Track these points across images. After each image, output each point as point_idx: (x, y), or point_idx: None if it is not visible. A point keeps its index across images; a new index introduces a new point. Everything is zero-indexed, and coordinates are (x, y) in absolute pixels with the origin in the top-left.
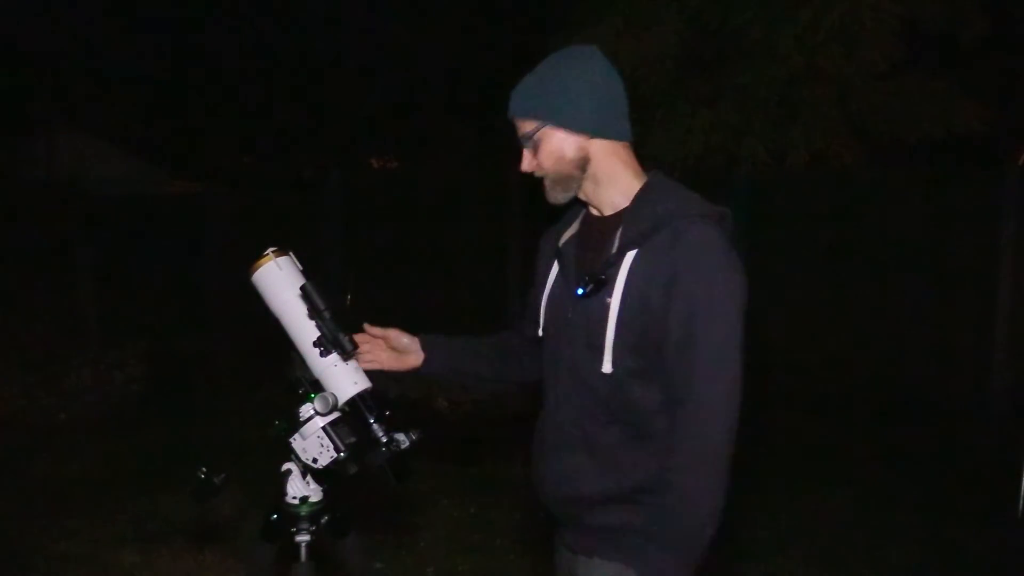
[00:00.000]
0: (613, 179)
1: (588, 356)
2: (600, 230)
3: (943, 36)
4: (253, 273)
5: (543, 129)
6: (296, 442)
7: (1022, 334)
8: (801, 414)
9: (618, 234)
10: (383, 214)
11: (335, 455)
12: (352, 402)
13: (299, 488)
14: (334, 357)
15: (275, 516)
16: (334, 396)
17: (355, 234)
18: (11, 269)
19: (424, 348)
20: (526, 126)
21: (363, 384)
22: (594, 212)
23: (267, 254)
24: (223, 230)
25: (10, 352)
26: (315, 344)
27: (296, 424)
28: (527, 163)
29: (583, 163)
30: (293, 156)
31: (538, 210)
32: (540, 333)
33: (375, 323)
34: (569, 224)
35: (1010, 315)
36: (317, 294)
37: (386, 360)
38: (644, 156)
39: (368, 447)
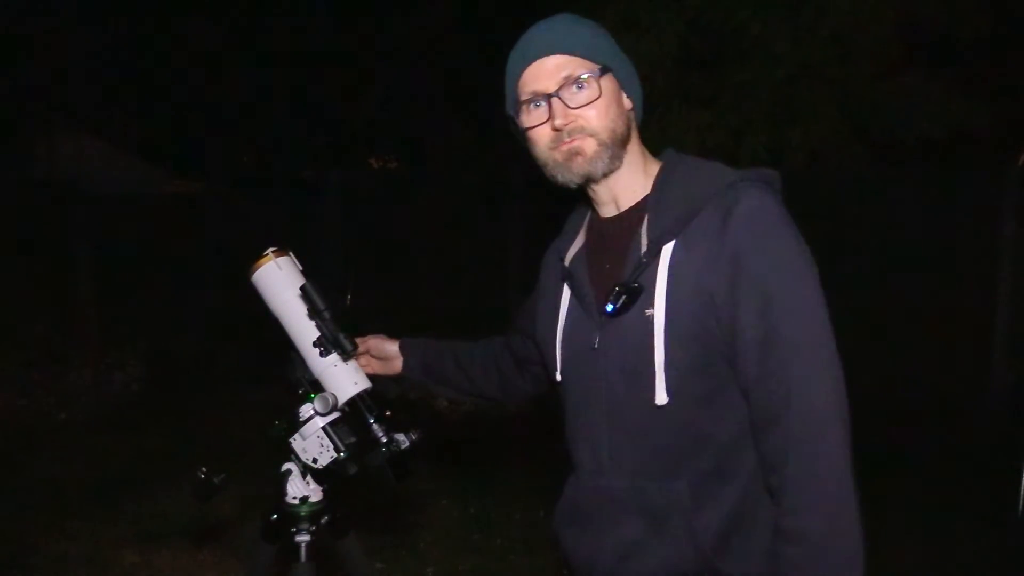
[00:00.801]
0: (637, 163)
1: (633, 389)
2: (616, 232)
3: (943, 36)
4: (253, 273)
5: (606, 76)
6: (296, 442)
7: (1022, 334)
8: None
9: (644, 228)
10: (383, 214)
11: (335, 455)
12: (352, 402)
13: (299, 488)
14: (334, 357)
15: (275, 516)
16: (334, 396)
17: (355, 234)
18: (11, 269)
19: (403, 352)
20: (578, 67)
21: (363, 384)
22: (603, 212)
23: (267, 254)
24: (223, 230)
25: (10, 352)
26: (315, 344)
27: (296, 424)
28: (562, 114)
29: (630, 119)
30: (293, 156)
31: (539, 209)
32: (558, 377)
33: (374, 323)
34: (572, 236)
35: (1010, 315)
36: (317, 294)
37: (376, 366)
38: None
39: (368, 447)
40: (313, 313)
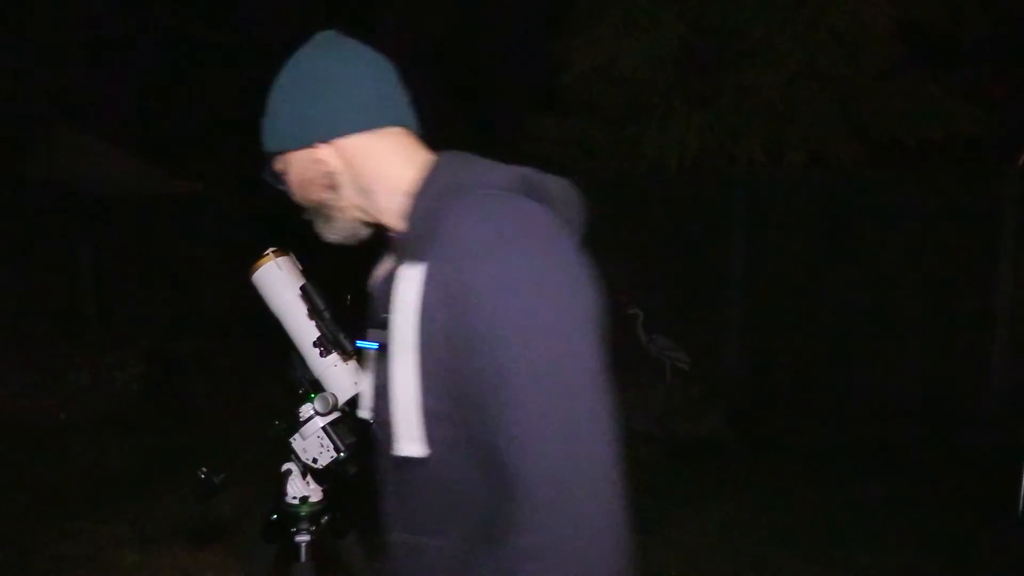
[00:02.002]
0: (381, 179)
1: (385, 435)
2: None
3: (943, 36)
4: (253, 273)
5: (282, 159)
6: (296, 442)
7: (1022, 334)
8: (800, 414)
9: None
10: None
11: (335, 455)
12: (352, 402)
13: (299, 488)
14: (334, 357)
15: (275, 516)
16: (334, 396)
17: None
18: (11, 269)
19: None
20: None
21: (363, 384)
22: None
23: (267, 254)
24: (223, 230)
25: (10, 352)
26: (315, 344)
27: (296, 424)
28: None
29: (329, 178)
30: None
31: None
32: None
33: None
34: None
35: (1010, 315)
36: (317, 294)
37: None
38: (642, 156)
39: (368, 447)
40: (313, 313)
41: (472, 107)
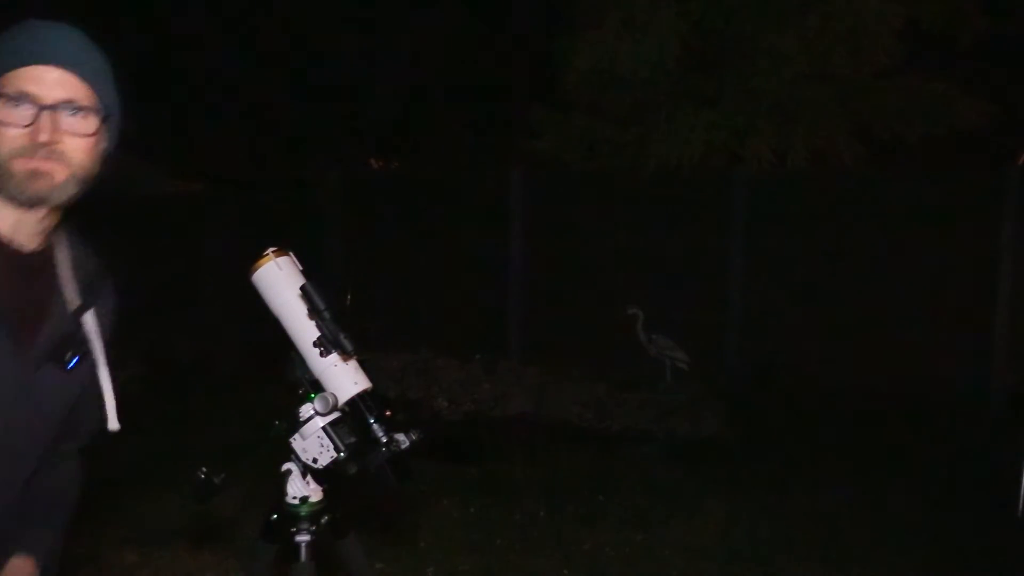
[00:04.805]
0: None
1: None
2: (37, 270)
3: (943, 36)
4: (253, 273)
5: (105, 121)
6: (296, 442)
7: (1022, 334)
8: (801, 413)
9: (67, 281)
10: (383, 214)
11: (335, 455)
12: (352, 402)
13: (299, 488)
14: (334, 357)
15: (275, 516)
16: (334, 396)
17: (355, 234)
18: None
19: None
20: (85, 97)
21: (363, 384)
22: (24, 244)
23: (267, 254)
24: (223, 230)
25: None
26: (315, 344)
27: (296, 424)
28: (49, 131)
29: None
30: (293, 156)
31: (539, 209)
32: None
33: (374, 323)
34: None
35: (1010, 315)
36: (317, 294)
37: None
38: (644, 157)
39: (368, 447)
40: (313, 313)
41: (473, 108)
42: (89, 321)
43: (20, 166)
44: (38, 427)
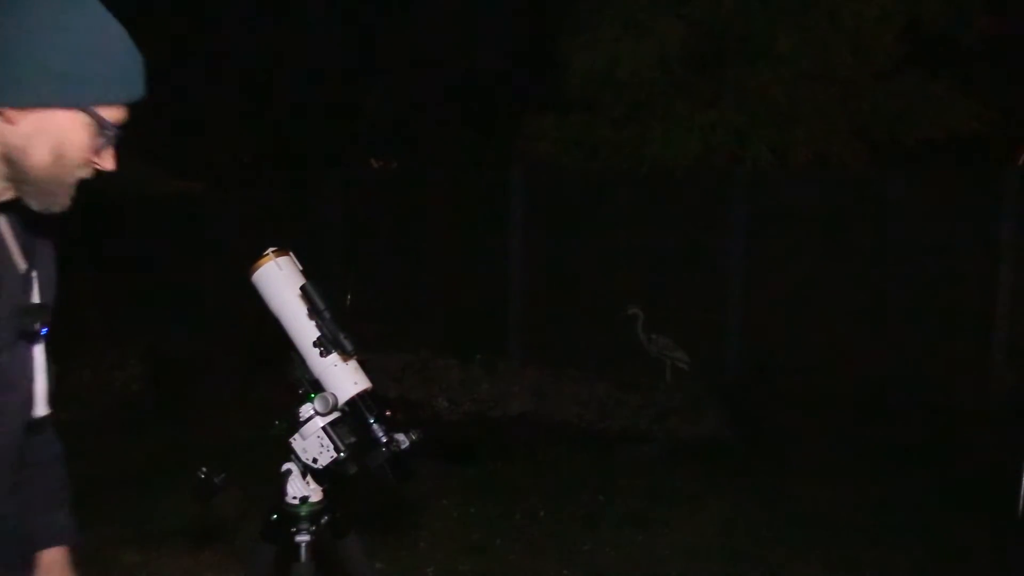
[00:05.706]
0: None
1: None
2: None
3: (943, 36)
4: (253, 273)
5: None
6: (296, 442)
7: (1022, 334)
8: (801, 413)
9: (15, 242)
10: (383, 214)
11: (335, 455)
12: (352, 402)
13: (299, 488)
14: (334, 357)
15: (275, 516)
16: (334, 396)
17: (355, 234)
18: None
19: None
20: None
21: (363, 384)
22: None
23: (267, 254)
24: (223, 230)
25: None
26: (315, 344)
27: (296, 424)
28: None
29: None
30: (293, 156)
31: (539, 209)
32: None
33: (374, 323)
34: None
35: (1010, 315)
36: (317, 294)
37: None
38: (645, 157)
39: (368, 447)
40: (313, 313)
41: (474, 108)
42: (35, 287)
43: (71, 192)
44: (16, 405)
